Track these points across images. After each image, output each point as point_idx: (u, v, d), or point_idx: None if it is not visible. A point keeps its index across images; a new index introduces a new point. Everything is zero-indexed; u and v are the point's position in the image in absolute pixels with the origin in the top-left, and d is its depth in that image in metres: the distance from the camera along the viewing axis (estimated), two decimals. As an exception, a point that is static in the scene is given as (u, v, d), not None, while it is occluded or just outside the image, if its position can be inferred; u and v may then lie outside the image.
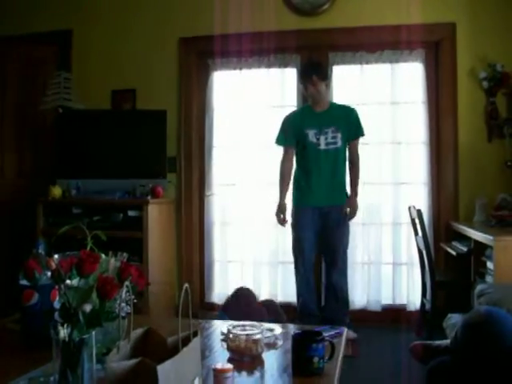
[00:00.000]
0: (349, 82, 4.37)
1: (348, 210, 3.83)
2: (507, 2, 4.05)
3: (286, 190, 3.91)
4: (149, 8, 4.55)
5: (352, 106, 3.96)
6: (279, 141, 3.94)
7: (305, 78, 3.82)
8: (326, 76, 3.86)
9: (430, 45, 4.24)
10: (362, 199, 4.13)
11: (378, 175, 4.29)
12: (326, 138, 3.76)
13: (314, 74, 3.76)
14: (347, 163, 3.88)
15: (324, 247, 3.89)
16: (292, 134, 3.84)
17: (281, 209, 3.89)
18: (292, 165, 3.91)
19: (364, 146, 4.27)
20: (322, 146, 3.76)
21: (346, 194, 3.88)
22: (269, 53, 4.35)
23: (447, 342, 2.43)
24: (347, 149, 3.86)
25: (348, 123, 3.82)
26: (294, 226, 3.88)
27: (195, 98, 4.55)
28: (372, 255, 4.31)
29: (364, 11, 4.20)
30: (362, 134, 3.90)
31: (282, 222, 3.91)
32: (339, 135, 3.76)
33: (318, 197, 3.80)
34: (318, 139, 3.76)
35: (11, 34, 4.65)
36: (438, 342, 2.54)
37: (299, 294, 3.89)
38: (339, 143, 3.77)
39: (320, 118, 3.81)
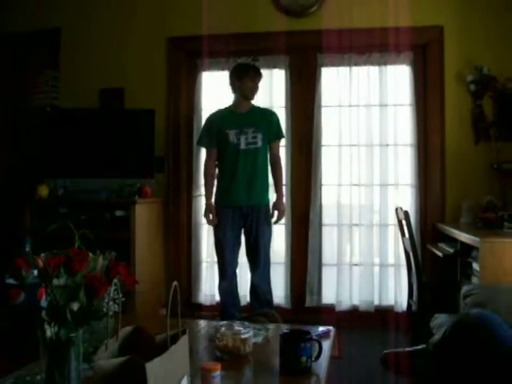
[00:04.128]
0: (337, 84, 4.38)
1: (275, 212, 3.88)
2: (495, 7, 4.09)
3: (211, 190, 3.96)
4: (138, 7, 4.53)
5: (273, 110, 4.09)
6: (201, 142, 4.03)
7: (247, 72, 3.87)
8: (260, 79, 3.94)
9: (417, 48, 4.27)
10: (350, 200, 4.20)
11: (365, 177, 4.30)
12: (247, 138, 3.82)
13: (257, 73, 3.89)
14: (269, 165, 3.95)
15: (246, 248, 3.94)
16: (214, 134, 3.91)
17: (208, 209, 3.92)
18: (215, 165, 3.97)
19: (352, 148, 4.30)
20: (242, 146, 3.82)
21: (268, 194, 3.94)
22: (257, 54, 4.34)
23: (421, 346, 2.43)
24: (268, 151, 3.93)
25: (269, 125, 3.90)
26: (216, 227, 3.93)
27: (183, 98, 4.54)
28: (362, 256, 4.31)
29: (353, 13, 4.20)
30: (283, 136, 4.02)
31: (211, 222, 3.93)
32: (259, 136, 3.83)
33: (237, 196, 3.84)
34: (238, 139, 3.82)
35: (-2, 32, 4.62)
36: (409, 349, 2.53)
37: (220, 296, 3.96)
38: (259, 143, 3.84)
39: (241, 118, 3.88)
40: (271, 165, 3.95)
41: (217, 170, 3.99)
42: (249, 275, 4.00)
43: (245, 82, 3.85)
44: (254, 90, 3.89)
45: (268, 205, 3.91)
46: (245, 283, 4.35)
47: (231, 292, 3.94)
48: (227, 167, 3.88)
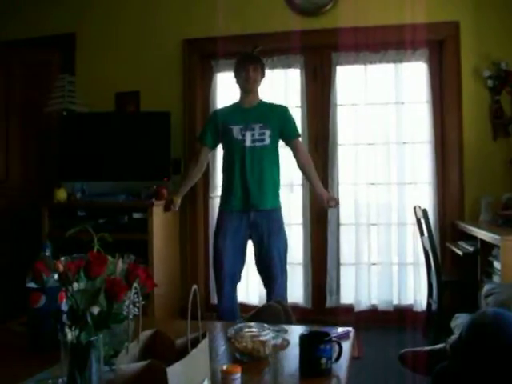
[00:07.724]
0: (352, 83, 4.36)
1: (331, 202, 3.57)
2: (511, 1, 4.04)
3: (184, 188, 3.80)
4: (152, 10, 4.55)
5: (285, 105, 3.75)
6: (199, 137, 3.77)
7: (250, 60, 3.52)
8: (264, 70, 3.61)
9: (433, 44, 4.23)
10: (367, 199, 4.18)
11: (383, 175, 4.28)
12: (253, 135, 3.44)
13: (259, 63, 3.55)
14: (302, 166, 3.62)
15: (257, 260, 3.53)
16: (213, 131, 3.60)
17: (170, 200, 3.82)
18: (198, 164, 3.69)
19: (369, 146, 4.28)
20: (248, 143, 3.44)
21: (279, 197, 3.57)
22: (272, 54, 4.34)
23: (440, 346, 2.40)
24: (295, 151, 3.61)
25: (284, 122, 3.57)
26: (215, 234, 3.56)
27: (199, 100, 4.55)
28: (380, 255, 4.29)
29: (367, 11, 4.18)
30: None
31: (168, 207, 3.84)
32: (268, 132, 3.46)
33: (242, 199, 3.45)
34: (243, 135, 3.45)
35: (15, 38, 4.66)
36: (427, 348, 2.51)
37: (217, 308, 3.60)
38: (267, 141, 3.46)
39: (247, 113, 3.52)
40: (304, 165, 3.59)
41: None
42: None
43: (239, 73, 3.53)
44: (250, 79, 3.49)
45: (279, 209, 3.55)
46: (261, 284, 4.35)
47: (229, 304, 3.51)
48: (231, 166, 3.49)
